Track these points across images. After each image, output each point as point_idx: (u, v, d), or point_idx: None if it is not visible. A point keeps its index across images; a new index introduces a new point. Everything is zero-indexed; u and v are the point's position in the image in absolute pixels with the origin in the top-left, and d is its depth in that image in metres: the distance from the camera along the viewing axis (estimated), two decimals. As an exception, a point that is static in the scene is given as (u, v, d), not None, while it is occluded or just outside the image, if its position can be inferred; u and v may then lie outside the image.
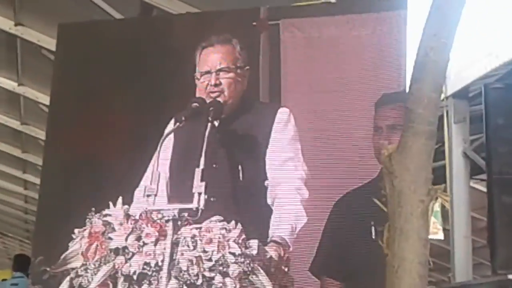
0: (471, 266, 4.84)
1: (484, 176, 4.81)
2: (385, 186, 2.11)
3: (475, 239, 5.59)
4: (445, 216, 5.26)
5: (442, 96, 4.78)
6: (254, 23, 3.71)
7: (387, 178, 2.09)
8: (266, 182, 3.43)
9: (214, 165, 3.45)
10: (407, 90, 2.21)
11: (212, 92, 3.55)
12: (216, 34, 3.66)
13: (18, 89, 7.58)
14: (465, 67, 4.81)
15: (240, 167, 3.46)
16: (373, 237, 3.14)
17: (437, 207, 5.57)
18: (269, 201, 3.41)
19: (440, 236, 5.64)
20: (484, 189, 4.99)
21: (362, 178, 3.31)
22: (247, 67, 3.60)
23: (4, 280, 8.79)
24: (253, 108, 3.60)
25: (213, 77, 3.56)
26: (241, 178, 3.45)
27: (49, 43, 5.95)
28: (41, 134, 8.13)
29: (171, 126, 3.59)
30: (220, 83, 3.56)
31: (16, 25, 6.32)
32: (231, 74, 3.58)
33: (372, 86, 3.46)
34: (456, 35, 2.15)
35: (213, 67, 3.58)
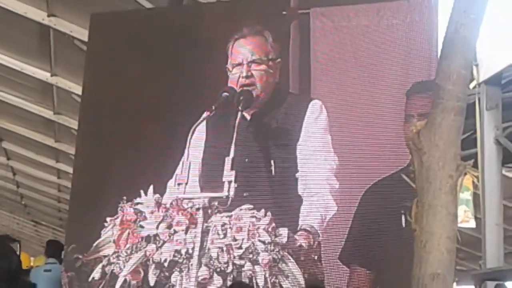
0: (503, 254, 4.79)
1: (516, 164, 4.76)
2: (413, 162, 2.10)
3: (507, 228, 5.54)
4: (477, 204, 5.21)
5: (474, 83, 4.73)
6: (284, 12, 3.70)
7: (416, 154, 2.09)
8: (297, 174, 3.44)
9: (246, 159, 3.47)
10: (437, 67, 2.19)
11: (244, 85, 3.56)
12: (248, 26, 3.66)
13: (51, 80, 7.63)
14: (498, 53, 4.74)
15: (272, 161, 3.47)
16: (403, 225, 3.13)
17: (468, 195, 5.55)
18: (299, 192, 3.42)
19: (472, 224, 5.61)
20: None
21: (392, 167, 3.30)
22: (279, 60, 3.60)
23: (37, 266, 8.85)
24: (285, 101, 3.60)
25: (244, 68, 3.57)
26: (273, 171, 3.46)
27: (81, 33, 5.98)
28: (73, 124, 8.18)
29: (202, 116, 3.61)
30: (252, 75, 3.56)
31: (49, 16, 6.35)
32: (263, 66, 3.58)
33: (402, 75, 3.43)
34: (486, 11, 2.13)
35: (245, 59, 3.59)
